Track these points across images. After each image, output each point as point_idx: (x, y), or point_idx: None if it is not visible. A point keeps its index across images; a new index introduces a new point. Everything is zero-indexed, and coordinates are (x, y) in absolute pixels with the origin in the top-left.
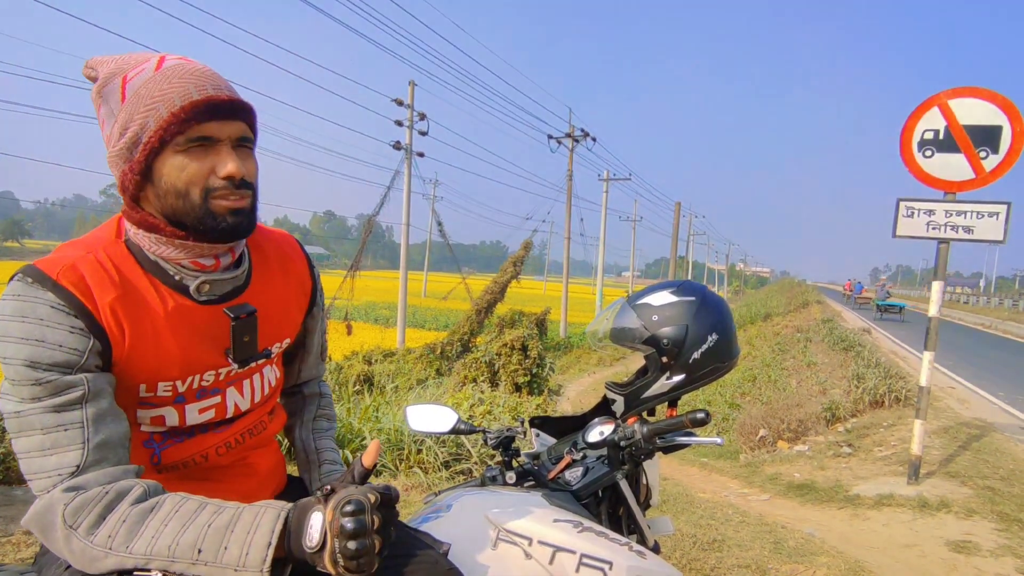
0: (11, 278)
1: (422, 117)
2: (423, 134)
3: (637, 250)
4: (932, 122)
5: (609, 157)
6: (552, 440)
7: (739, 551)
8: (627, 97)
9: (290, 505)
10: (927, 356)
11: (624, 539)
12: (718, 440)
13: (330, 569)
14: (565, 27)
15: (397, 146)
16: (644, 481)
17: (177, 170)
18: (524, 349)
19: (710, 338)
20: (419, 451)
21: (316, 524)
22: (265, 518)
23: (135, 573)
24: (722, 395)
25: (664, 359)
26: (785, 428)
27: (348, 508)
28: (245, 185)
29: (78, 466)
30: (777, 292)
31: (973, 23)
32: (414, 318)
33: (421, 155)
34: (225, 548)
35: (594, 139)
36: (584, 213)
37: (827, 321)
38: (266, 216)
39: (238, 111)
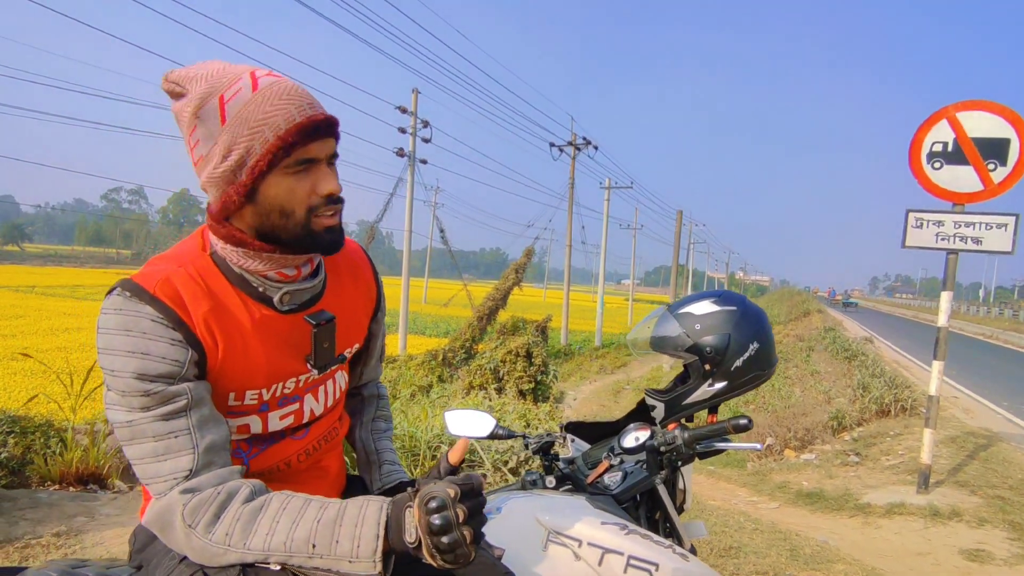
0: (109, 292)
1: (425, 124)
2: (426, 141)
3: (637, 258)
4: (941, 134)
5: (611, 165)
6: (586, 445)
7: (756, 558)
8: (630, 106)
9: (389, 500)
10: (936, 366)
11: (667, 542)
12: (757, 446)
13: (431, 563)
14: (569, 37)
15: (400, 153)
16: (681, 486)
17: (285, 191)
18: (529, 356)
19: (751, 346)
20: (434, 457)
21: (410, 522)
22: (369, 511)
23: (256, 564)
24: (727, 404)
25: (707, 367)
26: (792, 437)
27: (432, 505)
28: (339, 200)
29: (191, 470)
30: (777, 301)
31: (980, 36)
32: (415, 324)
33: (424, 162)
34: (337, 542)
35: (596, 147)
36: (585, 221)
37: (829, 330)
38: None
39: (331, 129)
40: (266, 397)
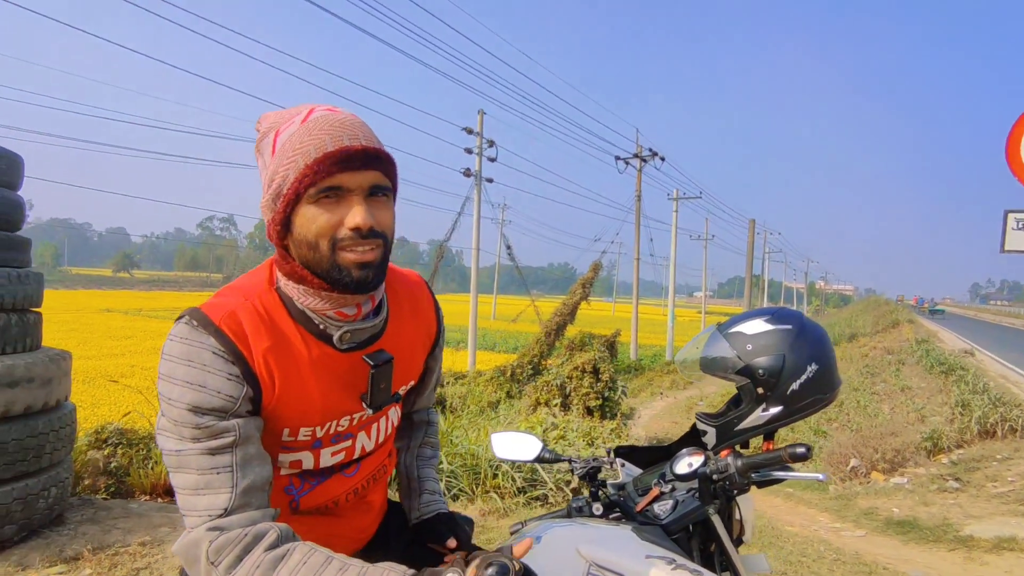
0: (178, 318)
1: (491, 144)
2: (492, 160)
3: (710, 269)
4: None
5: (678, 176)
6: (637, 470)
7: None
8: (698, 113)
9: (412, 572)
10: None
11: None
12: (820, 476)
13: None
14: (633, 42)
15: (467, 173)
16: (738, 516)
17: (309, 221)
18: (596, 372)
19: (809, 368)
20: (495, 476)
21: None
22: None
23: None
24: (806, 422)
25: (760, 390)
26: (879, 458)
27: (491, 571)
28: (374, 235)
29: (225, 509)
30: (863, 311)
31: None
32: (484, 341)
33: (490, 181)
34: None
35: (662, 158)
36: (653, 233)
37: (922, 342)
38: None
39: (371, 161)
40: (319, 434)
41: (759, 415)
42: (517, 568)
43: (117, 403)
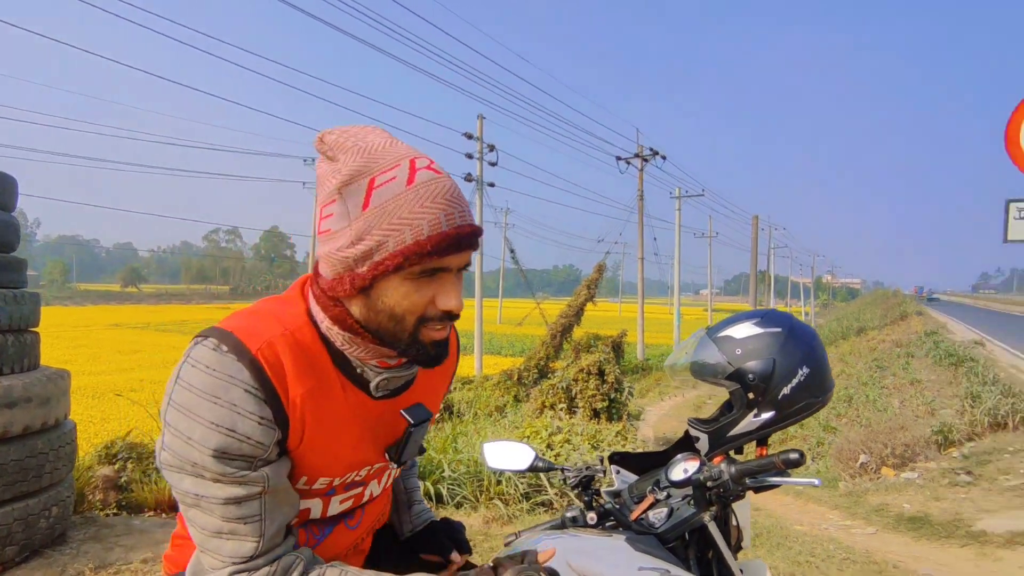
0: (201, 336)
1: (491, 148)
2: (493, 165)
3: (715, 267)
4: None
5: (680, 174)
6: (633, 477)
7: None
8: (698, 111)
9: None
10: None
11: None
12: (815, 481)
13: None
14: (631, 39)
15: (468, 178)
16: (735, 523)
17: (400, 296)
18: (601, 374)
19: (800, 372)
20: (499, 482)
21: None
22: None
23: None
24: (816, 417)
25: (750, 395)
26: (889, 453)
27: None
28: (455, 317)
29: (251, 557)
30: (871, 304)
31: None
32: (491, 345)
33: (492, 185)
34: None
35: (664, 157)
36: (657, 232)
37: (931, 334)
38: None
39: (476, 240)
40: (336, 483)
41: (751, 421)
42: None
43: (126, 417)
